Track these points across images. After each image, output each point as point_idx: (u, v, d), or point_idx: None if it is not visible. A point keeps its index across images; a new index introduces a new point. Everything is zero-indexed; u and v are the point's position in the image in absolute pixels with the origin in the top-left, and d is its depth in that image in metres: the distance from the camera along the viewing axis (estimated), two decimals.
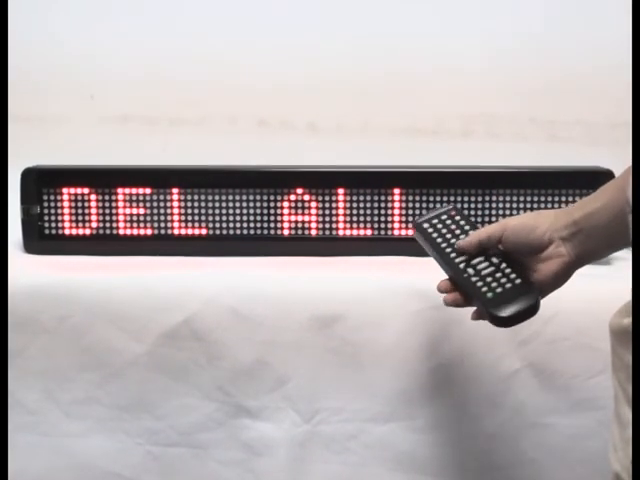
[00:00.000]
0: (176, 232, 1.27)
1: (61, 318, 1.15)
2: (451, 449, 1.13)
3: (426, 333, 1.12)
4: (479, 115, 1.73)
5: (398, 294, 1.13)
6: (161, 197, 1.26)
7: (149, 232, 1.27)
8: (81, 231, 1.27)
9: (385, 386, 1.13)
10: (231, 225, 1.27)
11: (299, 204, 1.26)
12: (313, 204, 1.26)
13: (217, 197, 1.26)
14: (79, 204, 1.26)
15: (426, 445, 1.13)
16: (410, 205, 1.25)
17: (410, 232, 1.24)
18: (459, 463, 1.13)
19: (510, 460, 1.12)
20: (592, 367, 1.09)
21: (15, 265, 1.15)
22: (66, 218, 1.27)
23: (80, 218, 1.27)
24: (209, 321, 1.14)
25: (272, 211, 1.26)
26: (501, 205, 1.25)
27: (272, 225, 1.26)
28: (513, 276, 0.88)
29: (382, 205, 1.25)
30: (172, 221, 1.26)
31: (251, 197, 1.26)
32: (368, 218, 1.26)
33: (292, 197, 1.26)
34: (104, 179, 1.26)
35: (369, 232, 1.26)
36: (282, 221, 1.26)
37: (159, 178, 1.26)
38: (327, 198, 1.26)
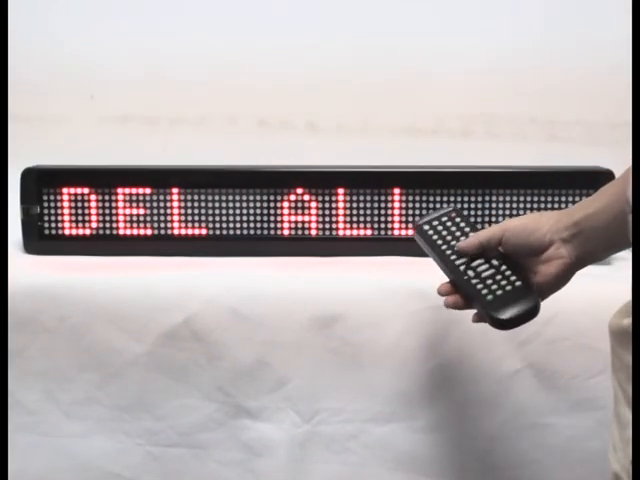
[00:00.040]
0: (176, 232, 1.27)
1: (61, 318, 1.15)
2: (451, 449, 1.13)
3: (426, 333, 1.12)
4: (479, 115, 1.73)
5: (398, 294, 1.13)
6: (161, 197, 1.26)
7: (149, 232, 1.27)
8: (81, 231, 1.27)
9: (385, 386, 1.13)
10: (231, 225, 1.27)
11: (299, 204, 1.26)
12: (313, 204, 1.26)
13: (217, 197, 1.26)
14: (79, 204, 1.26)
15: (426, 445, 1.13)
16: (410, 205, 1.25)
17: (410, 232, 1.24)
18: (459, 463, 1.13)
19: (510, 460, 1.12)
20: (592, 367, 1.09)
21: (15, 265, 1.15)
22: (66, 218, 1.27)
23: (80, 218, 1.27)
24: (209, 321, 1.14)
25: (272, 211, 1.26)
26: (501, 205, 1.25)
27: (272, 225, 1.26)
28: (513, 278, 0.88)
29: (382, 205, 1.25)
30: (172, 221, 1.26)
31: (251, 197, 1.26)
32: (368, 218, 1.26)
33: (292, 197, 1.26)
34: (104, 179, 1.26)
35: (369, 232, 1.26)
36: (282, 221, 1.26)
37: (159, 178, 1.26)
38: (327, 198, 1.26)
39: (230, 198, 1.26)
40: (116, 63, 1.75)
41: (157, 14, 1.76)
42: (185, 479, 1.16)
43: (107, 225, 1.27)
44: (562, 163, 1.28)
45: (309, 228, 1.26)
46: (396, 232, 1.26)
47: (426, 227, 0.95)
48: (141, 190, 1.26)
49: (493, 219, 1.24)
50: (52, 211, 1.26)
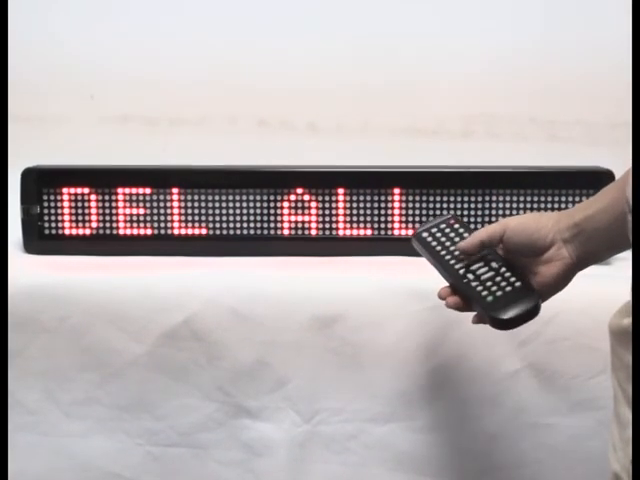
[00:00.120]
0: (176, 232, 1.27)
1: (61, 318, 1.15)
2: (451, 449, 1.13)
3: (426, 333, 1.12)
4: (479, 115, 1.73)
5: (398, 294, 1.13)
6: (161, 197, 1.26)
7: (149, 232, 1.27)
8: (81, 231, 1.27)
9: (385, 386, 1.13)
10: (231, 225, 1.27)
11: (299, 204, 1.26)
12: (313, 204, 1.26)
13: (217, 197, 1.26)
14: (79, 204, 1.26)
15: (426, 445, 1.13)
16: (410, 205, 1.25)
17: (410, 232, 1.24)
18: (459, 463, 1.13)
19: (510, 460, 1.12)
20: (592, 367, 1.09)
21: (15, 265, 1.15)
22: (66, 218, 1.27)
23: (80, 218, 1.27)
24: (209, 321, 1.14)
25: (272, 211, 1.26)
26: (501, 205, 1.25)
27: (272, 225, 1.26)
28: (513, 279, 0.88)
29: (382, 205, 1.25)
30: (172, 221, 1.26)
31: (251, 197, 1.26)
32: (368, 218, 1.26)
33: (292, 197, 1.26)
34: (104, 179, 1.26)
35: (369, 232, 1.26)
36: (282, 221, 1.26)
37: (159, 178, 1.26)
38: (327, 198, 1.26)
39: (230, 198, 1.26)
40: (116, 63, 1.75)
41: (157, 14, 1.76)
42: (185, 479, 1.16)
43: (107, 225, 1.27)
44: (562, 163, 1.27)
45: (309, 228, 1.26)
46: (396, 232, 1.26)
47: (425, 234, 0.95)
48: (141, 190, 1.26)
49: (493, 219, 1.24)
50: (52, 211, 1.26)
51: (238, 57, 1.74)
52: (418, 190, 1.25)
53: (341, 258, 1.25)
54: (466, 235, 0.93)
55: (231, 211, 1.26)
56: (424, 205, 1.25)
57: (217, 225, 1.27)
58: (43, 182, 1.26)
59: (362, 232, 1.26)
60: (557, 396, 1.11)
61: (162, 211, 1.26)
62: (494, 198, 1.25)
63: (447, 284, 0.91)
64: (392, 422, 1.13)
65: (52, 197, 1.26)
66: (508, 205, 1.25)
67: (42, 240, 1.27)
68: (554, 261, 0.87)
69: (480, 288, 0.88)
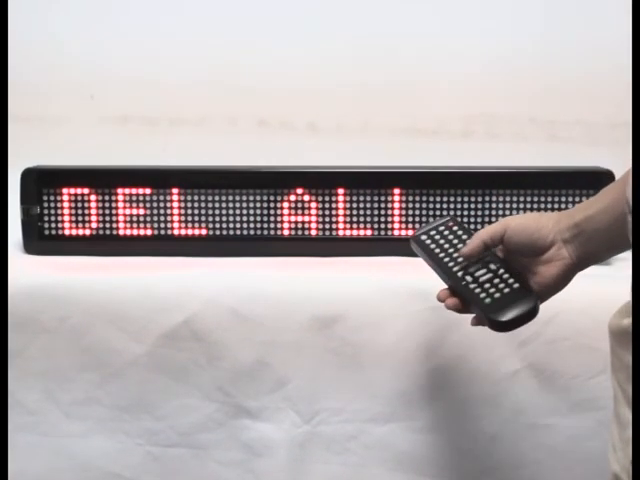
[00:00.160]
0: (176, 232, 1.27)
1: (61, 318, 1.15)
2: (451, 450, 1.13)
3: (426, 333, 1.12)
4: (479, 115, 1.73)
5: (398, 294, 1.13)
6: (161, 197, 1.26)
7: (149, 232, 1.27)
8: (81, 231, 1.27)
9: (385, 386, 1.13)
10: (231, 225, 1.27)
11: (299, 204, 1.26)
12: (313, 204, 1.26)
13: (217, 197, 1.26)
14: (79, 204, 1.26)
15: (426, 446, 1.13)
16: (410, 205, 1.25)
17: (410, 232, 1.24)
18: (459, 464, 1.13)
19: (510, 460, 1.12)
20: (592, 367, 1.09)
21: (15, 265, 1.15)
22: (66, 218, 1.27)
23: (80, 218, 1.27)
24: (209, 321, 1.14)
25: (272, 211, 1.26)
26: (501, 205, 1.25)
27: (272, 225, 1.26)
28: (511, 281, 0.88)
29: (382, 205, 1.25)
30: (172, 221, 1.26)
31: (251, 197, 1.26)
32: (368, 218, 1.26)
33: (292, 197, 1.26)
34: (104, 179, 1.26)
35: (369, 232, 1.26)
36: (282, 221, 1.26)
37: (159, 178, 1.26)
38: (327, 198, 1.26)
39: (230, 198, 1.26)
40: (116, 63, 1.75)
41: (157, 14, 1.76)
42: (185, 479, 1.16)
43: (107, 225, 1.27)
44: (562, 163, 1.28)
45: (309, 228, 1.26)
46: (396, 232, 1.26)
47: (423, 237, 0.95)
48: (141, 190, 1.26)
49: (493, 219, 1.24)
50: (52, 211, 1.26)
51: (238, 57, 1.74)
52: (418, 190, 1.25)
53: (341, 258, 1.25)
54: (465, 237, 0.93)
55: (231, 211, 1.26)
56: (424, 205, 1.25)
57: (217, 225, 1.27)
58: (43, 182, 1.26)
59: (362, 232, 1.26)
60: (557, 396, 1.11)
61: (162, 211, 1.26)
62: (494, 198, 1.25)
63: (446, 286, 0.91)
64: (392, 422, 1.13)
65: (52, 197, 1.26)
66: (508, 205, 1.25)
67: (42, 240, 1.27)
68: (554, 261, 0.87)
69: (478, 290, 0.88)
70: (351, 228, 1.26)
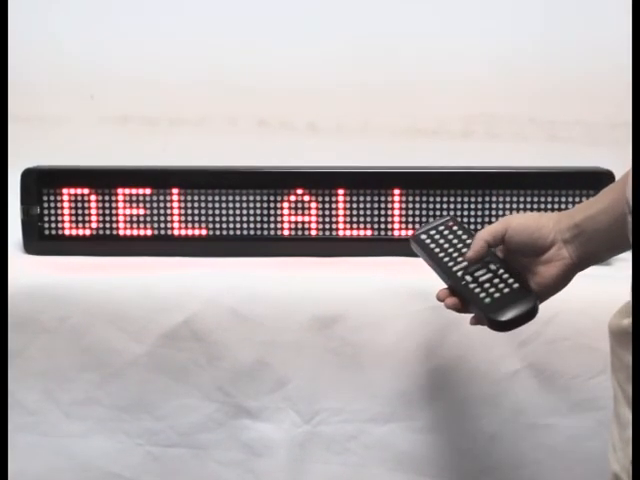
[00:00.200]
0: (176, 232, 1.27)
1: (61, 318, 1.15)
2: (451, 450, 1.13)
3: (426, 333, 1.12)
4: (479, 115, 1.73)
5: (398, 295, 1.13)
6: (161, 197, 1.26)
7: (149, 232, 1.27)
8: (81, 232, 1.27)
9: (385, 386, 1.13)
10: (231, 225, 1.27)
11: (299, 204, 1.26)
12: (313, 204, 1.26)
13: (217, 197, 1.26)
14: (79, 204, 1.26)
15: (426, 445, 1.13)
16: (410, 205, 1.25)
17: (410, 232, 1.24)
18: (459, 463, 1.13)
19: (510, 460, 1.12)
20: (592, 367, 1.09)
21: (15, 265, 1.15)
22: (66, 219, 1.27)
23: (80, 219, 1.27)
24: (209, 321, 1.14)
25: (272, 211, 1.26)
26: (501, 205, 1.25)
27: (272, 225, 1.26)
28: (511, 281, 0.88)
29: (382, 205, 1.25)
30: (172, 221, 1.26)
31: (251, 197, 1.26)
32: (368, 218, 1.26)
33: (292, 197, 1.26)
34: (104, 179, 1.26)
35: (369, 232, 1.26)
36: (282, 221, 1.26)
37: (159, 178, 1.26)
38: (327, 198, 1.26)
39: (230, 198, 1.26)
40: (116, 63, 1.75)
41: (157, 14, 1.76)
42: (185, 479, 1.16)
43: (107, 225, 1.27)
44: (562, 163, 1.28)
45: (309, 228, 1.26)
46: (396, 233, 1.26)
47: (423, 237, 0.95)
48: (141, 190, 1.26)
49: (493, 219, 1.24)
50: (52, 211, 1.26)
51: (238, 57, 1.74)
52: (418, 190, 1.25)
53: (341, 258, 1.25)
54: (465, 237, 0.93)
55: (231, 211, 1.26)
56: (424, 205, 1.25)
57: (217, 225, 1.27)
58: (43, 182, 1.26)
59: (362, 232, 1.26)
60: (557, 396, 1.11)
61: (162, 211, 1.26)
62: (494, 198, 1.25)
63: (445, 286, 0.91)
64: (392, 422, 1.13)
65: (52, 197, 1.26)
66: (508, 205, 1.25)
67: (42, 240, 1.27)
68: (554, 261, 0.87)
69: (478, 290, 0.88)
70: (351, 228, 1.26)
